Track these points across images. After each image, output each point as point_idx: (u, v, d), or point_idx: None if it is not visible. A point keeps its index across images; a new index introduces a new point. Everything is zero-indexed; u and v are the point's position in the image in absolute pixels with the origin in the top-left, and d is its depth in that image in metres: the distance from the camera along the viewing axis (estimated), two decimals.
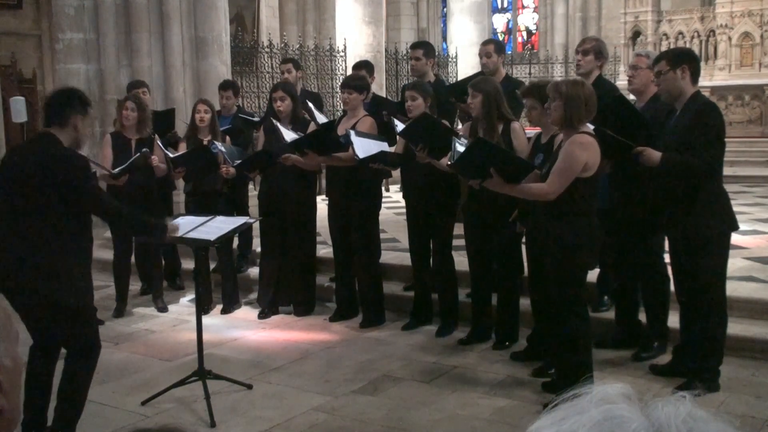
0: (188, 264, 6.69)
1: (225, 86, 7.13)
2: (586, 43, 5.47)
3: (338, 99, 9.62)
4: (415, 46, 6.53)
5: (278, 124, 5.75)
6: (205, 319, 5.27)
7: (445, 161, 4.74)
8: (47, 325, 3.80)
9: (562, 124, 4.01)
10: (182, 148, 6.21)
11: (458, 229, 5.66)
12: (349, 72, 8.04)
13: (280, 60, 10.27)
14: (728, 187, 4.46)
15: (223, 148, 5.95)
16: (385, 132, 5.78)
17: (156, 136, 6.24)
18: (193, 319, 4.57)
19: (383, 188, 6.48)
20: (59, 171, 3.67)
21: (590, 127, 4.05)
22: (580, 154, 3.91)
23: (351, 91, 5.74)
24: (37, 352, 3.86)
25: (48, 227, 3.69)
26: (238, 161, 5.91)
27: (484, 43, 6.29)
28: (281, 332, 5.77)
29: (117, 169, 5.73)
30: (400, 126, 5.32)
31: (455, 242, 5.69)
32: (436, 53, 12.06)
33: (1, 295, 3.81)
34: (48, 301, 3.70)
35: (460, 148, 4.42)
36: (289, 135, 5.66)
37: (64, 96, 3.89)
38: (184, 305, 6.54)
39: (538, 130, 4.89)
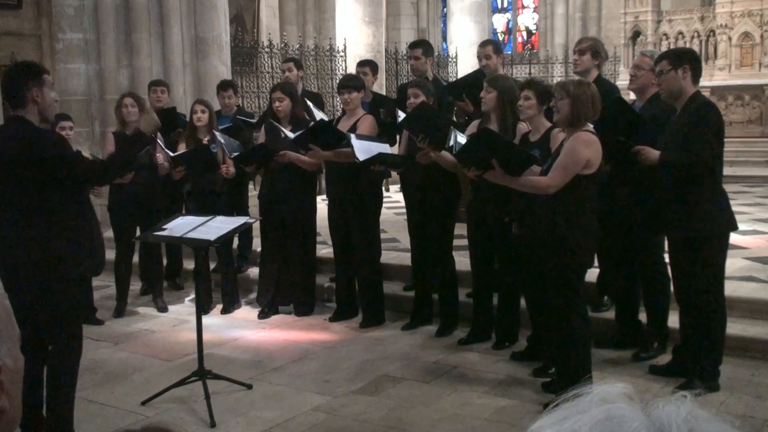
0: (188, 264, 6.69)
1: (224, 86, 7.12)
2: (582, 42, 5.52)
3: (338, 99, 9.64)
4: (414, 46, 6.53)
5: (278, 125, 5.74)
6: (205, 319, 5.27)
7: (450, 156, 4.74)
8: (38, 307, 3.79)
9: (567, 123, 4.01)
10: (182, 149, 6.21)
11: (458, 229, 5.66)
12: (351, 72, 8.04)
13: (280, 60, 10.29)
14: (728, 187, 4.47)
15: (222, 140, 5.93)
16: (385, 132, 5.78)
17: (158, 134, 6.24)
18: (193, 319, 4.57)
19: (383, 188, 6.48)
20: (38, 150, 3.66)
21: (590, 126, 4.06)
22: (583, 150, 3.93)
23: (350, 90, 5.74)
24: (27, 349, 3.85)
25: (35, 207, 3.70)
26: (236, 153, 5.90)
27: (482, 45, 6.25)
28: (281, 332, 5.77)
29: None
30: (402, 117, 5.33)
31: (455, 242, 5.70)
32: (436, 53, 12.05)
33: (3, 294, 3.82)
34: (39, 273, 3.72)
35: (461, 140, 4.41)
36: (290, 135, 5.66)
37: (14, 75, 3.79)
38: (184, 305, 6.54)
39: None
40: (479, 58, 6.11)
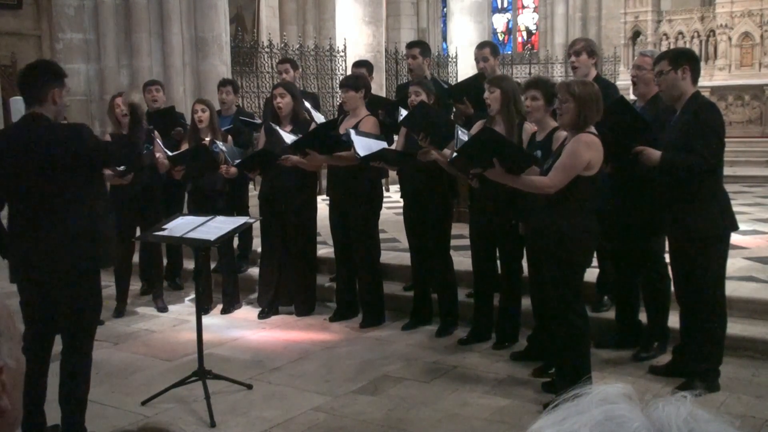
0: (188, 264, 6.69)
1: (224, 83, 7.14)
2: (577, 44, 5.53)
3: (338, 99, 9.62)
4: (411, 46, 6.53)
5: (277, 128, 5.74)
6: (205, 319, 5.27)
7: (448, 153, 4.73)
8: (62, 303, 3.79)
9: (573, 126, 3.99)
10: (184, 148, 6.20)
11: (458, 229, 5.66)
12: (350, 72, 8.03)
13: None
14: (728, 187, 4.47)
15: (224, 148, 5.95)
16: (385, 132, 5.77)
17: (155, 132, 6.23)
18: (193, 319, 4.57)
19: (383, 188, 6.48)
20: (76, 144, 3.66)
21: (592, 128, 4.05)
22: (585, 152, 3.92)
23: (347, 89, 5.73)
24: (31, 349, 3.85)
25: (71, 202, 3.70)
26: (239, 161, 5.91)
27: (480, 47, 6.25)
28: (281, 332, 5.77)
29: (122, 167, 5.71)
30: (403, 114, 5.33)
31: (455, 242, 5.70)
32: (435, 53, 12.05)
33: (4, 294, 3.82)
34: (80, 272, 3.75)
35: (463, 137, 4.40)
36: (288, 137, 5.65)
37: (39, 71, 3.79)
38: (184, 305, 6.54)
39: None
40: (477, 60, 6.11)
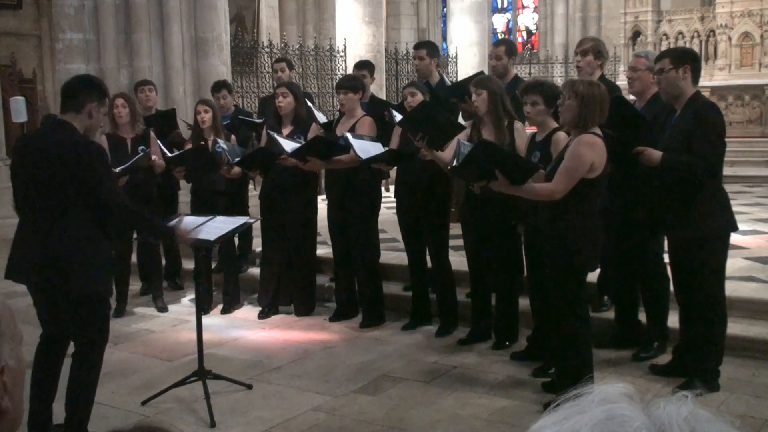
0: (188, 264, 6.69)
1: (218, 87, 7.08)
2: (585, 43, 5.47)
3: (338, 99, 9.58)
4: (418, 46, 6.51)
5: (276, 137, 5.72)
6: (205, 319, 5.27)
7: (447, 156, 4.72)
8: (65, 315, 3.78)
9: (574, 125, 3.97)
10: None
11: (457, 228, 5.66)
12: (350, 72, 8.04)
13: None
14: (728, 187, 4.47)
15: (225, 146, 5.94)
16: (387, 132, 5.76)
17: (152, 131, 6.22)
18: (193, 319, 4.57)
19: (383, 188, 6.48)
20: (79, 160, 3.64)
21: (596, 129, 4.02)
22: (588, 154, 3.87)
23: (346, 91, 5.72)
24: (44, 349, 3.86)
25: (70, 215, 3.68)
26: (238, 159, 5.90)
27: (496, 45, 6.20)
28: (281, 332, 5.77)
29: (118, 169, 5.71)
30: (398, 117, 5.31)
31: (455, 242, 5.69)
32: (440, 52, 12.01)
33: (5, 294, 3.82)
34: (73, 288, 3.71)
35: (465, 152, 4.40)
36: (288, 144, 5.63)
37: (82, 82, 3.88)
38: (184, 305, 6.54)
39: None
40: (490, 56, 6.08)
